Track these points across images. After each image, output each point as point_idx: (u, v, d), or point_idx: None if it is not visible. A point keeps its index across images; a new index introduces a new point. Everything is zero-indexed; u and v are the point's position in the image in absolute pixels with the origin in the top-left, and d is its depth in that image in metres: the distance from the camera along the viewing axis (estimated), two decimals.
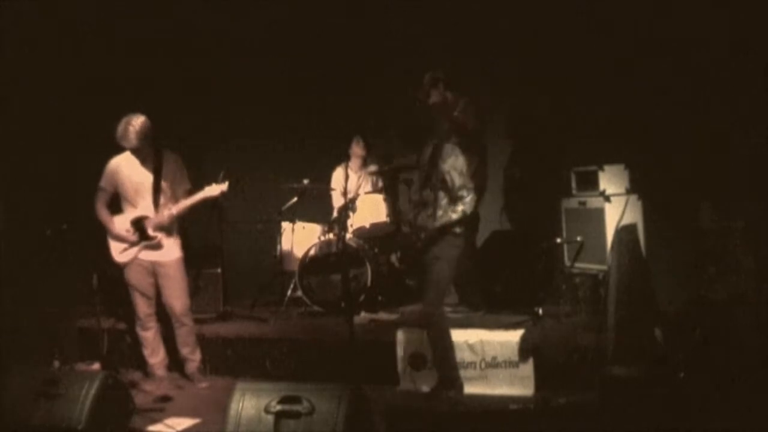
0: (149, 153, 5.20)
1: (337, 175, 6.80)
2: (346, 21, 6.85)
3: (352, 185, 6.71)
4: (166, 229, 5.28)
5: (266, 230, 6.86)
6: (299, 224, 6.76)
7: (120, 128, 5.05)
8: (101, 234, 5.40)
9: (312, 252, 6.34)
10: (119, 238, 5.26)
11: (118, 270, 5.36)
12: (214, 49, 6.93)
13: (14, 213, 5.90)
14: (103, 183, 5.29)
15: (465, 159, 4.81)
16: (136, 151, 5.14)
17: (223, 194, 5.22)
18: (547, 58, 6.14)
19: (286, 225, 6.70)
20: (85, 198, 5.68)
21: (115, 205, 5.34)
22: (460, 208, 4.72)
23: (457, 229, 4.80)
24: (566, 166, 6.00)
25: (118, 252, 5.29)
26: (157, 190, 5.23)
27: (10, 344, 5.30)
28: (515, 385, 4.98)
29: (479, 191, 5.58)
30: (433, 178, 4.81)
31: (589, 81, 5.95)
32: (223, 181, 5.19)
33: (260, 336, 5.75)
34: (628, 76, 5.72)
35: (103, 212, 5.28)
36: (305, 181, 6.50)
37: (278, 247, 6.60)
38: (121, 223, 5.26)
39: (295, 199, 6.55)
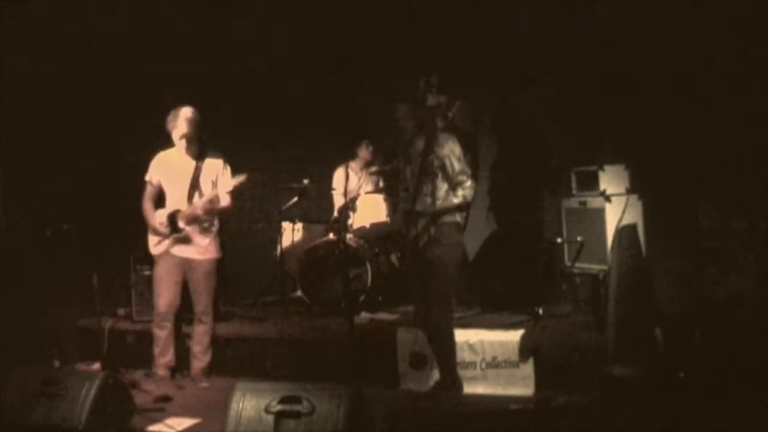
0: (194, 147, 5.31)
1: (338, 176, 6.81)
2: (346, 21, 6.85)
3: (353, 186, 6.72)
4: (199, 223, 5.32)
5: (266, 230, 6.86)
6: (299, 224, 6.76)
7: (170, 117, 5.23)
8: (101, 234, 5.41)
9: (312, 252, 6.34)
10: (154, 231, 5.34)
11: (119, 270, 5.36)
12: (213, 49, 6.92)
13: (14, 213, 5.90)
14: (148, 176, 5.41)
15: (460, 147, 4.76)
16: (185, 140, 5.23)
17: (241, 185, 5.29)
18: (548, 57, 6.14)
19: (286, 225, 6.70)
20: (86, 198, 5.69)
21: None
22: (460, 192, 4.66)
23: (458, 218, 4.75)
24: (566, 166, 6.00)
25: (153, 245, 5.38)
26: (194, 185, 5.30)
27: (10, 344, 5.30)
28: (515, 385, 4.98)
29: None
30: (429, 167, 4.73)
31: (589, 81, 5.94)
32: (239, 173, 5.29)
33: (260, 336, 5.75)
34: (628, 76, 5.72)
35: (146, 205, 5.39)
36: (305, 181, 6.51)
37: (278, 247, 6.60)
38: (160, 217, 5.35)
39: (295, 199, 6.55)
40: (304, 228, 6.78)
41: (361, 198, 6.36)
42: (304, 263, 6.32)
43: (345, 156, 6.71)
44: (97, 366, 5.67)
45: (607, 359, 4.64)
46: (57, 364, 5.58)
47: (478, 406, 4.76)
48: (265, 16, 6.90)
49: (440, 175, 4.72)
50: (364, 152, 6.81)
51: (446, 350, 4.87)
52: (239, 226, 7.06)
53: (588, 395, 4.48)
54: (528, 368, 4.98)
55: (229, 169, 5.44)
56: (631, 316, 4.77)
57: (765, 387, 4.03)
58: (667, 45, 5.53)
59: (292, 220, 6.75)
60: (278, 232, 6.62)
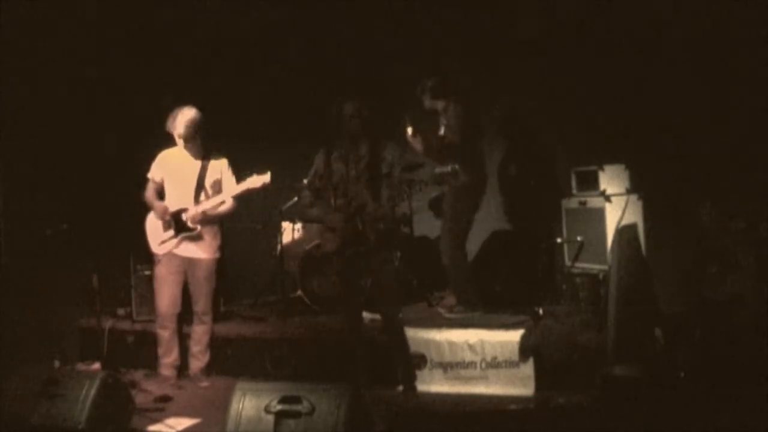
0: (198, 148, 5.34)
1: None
2: (345, 22, 6.85)
3: None
4: (207, 222, 5.33)
5: (266, 230, 6.86)
6: (299, 224, 6.76)
7: (171, 116, 5.25)
8: (101, 234, 5.40)
9: (312, 252, 6.34)
10: (158, 227, 5.35)
11: (119, 270, 5.36)
12: (214, 49, 6.92)
13: (14, 213, 5.90)
14: (151, 173, 5.42)
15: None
16: (184, 140, 5.26)
17: (265, 186, 5.29)
18: (548, 57, 6.14)
19: (286, 225, 6.70)
20: (86, 198, 5.69)
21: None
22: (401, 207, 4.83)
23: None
24: (566, 166, 6.00)
25: (157, 243, 5.37)
26: (200, 185, 5.32)
27: (10, 344, 5.31)
28: (515, 385, 4.98)
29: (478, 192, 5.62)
30: (377, 171, 4.80)
31: (589, 81, 5.94)
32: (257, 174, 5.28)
33: (260, 336, 5.75)
34: (628, 76, 5.72)
35: (150, 198, 5.40)
36: (305, 181, 6.49)
37: (278, 247, 6.60)
38: (165, 211, 5.35)
39: (296, 199, 6.54)
40: (304, 228, 6.78)
41: None
42: (304, 263, 6.32)
43: None
44: (97, 366, 5.67)
45: (607, 359, 4.64)
46: (57, 364, 5.58)
47: (478, 406, 4.76)
48: (266, 18, 6.91)
49: (387, 183, 4.76)
50: None
51: (404, 346, 4.95)
52: (239, 226, 7.05)
53: (588, 395, 4.48)
54: (528, 368, 4.98)
55: (231, 170, 5.44)
56: (631, 316, 4.77)
57: (765, 387, 4.03)
58: (666, 45, 5.53)
59: (292, 220, 6.74)
60: (278, 232, 6.62)
